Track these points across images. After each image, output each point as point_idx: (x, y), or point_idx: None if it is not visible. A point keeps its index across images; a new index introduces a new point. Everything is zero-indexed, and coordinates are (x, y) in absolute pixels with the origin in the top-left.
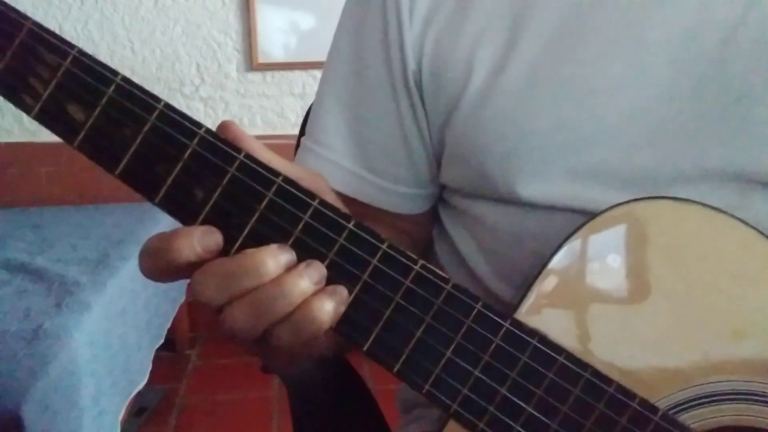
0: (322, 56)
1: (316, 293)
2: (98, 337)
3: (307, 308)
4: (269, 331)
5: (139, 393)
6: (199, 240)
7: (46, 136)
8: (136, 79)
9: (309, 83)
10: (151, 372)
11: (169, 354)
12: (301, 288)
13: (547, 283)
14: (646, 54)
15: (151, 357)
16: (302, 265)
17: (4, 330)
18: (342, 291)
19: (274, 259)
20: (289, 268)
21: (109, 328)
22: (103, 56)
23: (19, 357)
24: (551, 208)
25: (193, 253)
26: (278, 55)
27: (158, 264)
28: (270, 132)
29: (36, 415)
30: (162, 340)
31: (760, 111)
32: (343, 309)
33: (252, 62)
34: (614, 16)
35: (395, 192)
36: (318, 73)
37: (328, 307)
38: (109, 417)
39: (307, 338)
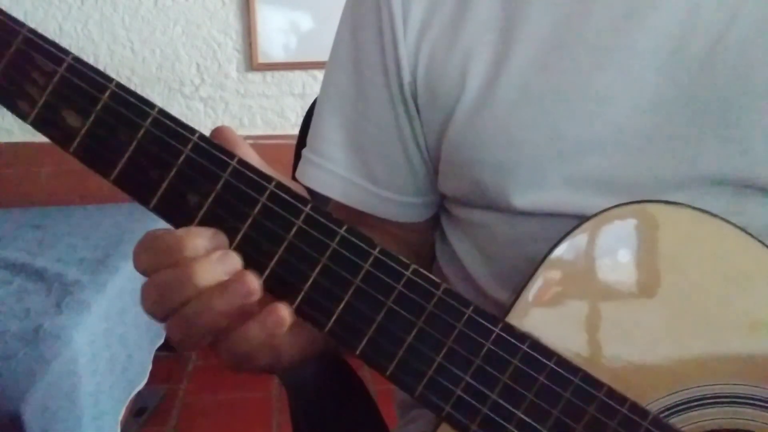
0: (322, 56)
1: (250, 320)
2: (98, 337)
3: (237, 332)
4: (216, 345)
5: (139, 393)
6: (210, 240)
7: None
8: (136, 79)
9: (309, 83)
10: (151, 372)
11: (169, 354)
12: (220, 306)
13: (539, 286)
14: (635, 62)
15: (151, 357)
16: (230, 281)
17: (4, 330)
18: (276, 314)
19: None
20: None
21: (109, 328)
22: (103, 56)
23: (19, 357)
24: (546, 215)
25: (204, 253)
26: (278, 55)
27: (164, 261)
28: (270, 132)
29: (36, 415)
30: (162, 340)
31: (751, 116)
32: (278, 331)
33: (252, 62)
34: (603, 25)
35: (396, 201)
36: (318, 73)
37: (256, 332)
38: (109, 417)
39: (248, 356)
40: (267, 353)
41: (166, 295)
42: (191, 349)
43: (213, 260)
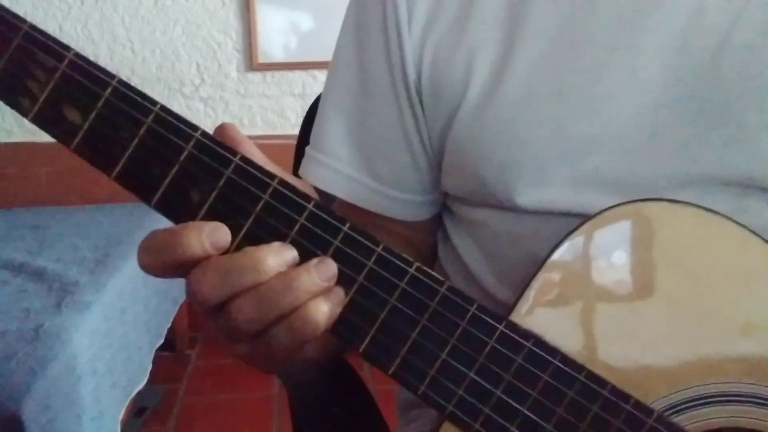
0: (322, 56)
1: (314, 298)
2: (98, 337)
3: (304, 309)
4: (266, 331)
5: (139, 393)
6: (208, 235)
7: (46, 136)
8: (136, 79)
9: (309, 83)
10: (151, 372)
11: (169, 354)
12: (308, 284)
13: (542, 285)
14: (640, 61)
15: (151, 357)
16: (313, 262)
17: (4, 330)
18: (338, 292)
19: (275, 256)
20: (297, 265)
21: (109, 328)
22: (103, 56)
23: (19, 357)
24: (550, 214)
25: (201, 249)
26: (278, 55)
27: (163, 258)
28: (270, 132)
29: (36, 415)
30: (162, 340)
31: (755, 116)
32: (339, 310)
33: (252, 62)
34: (608, 24)
35: (399, 199)
36: (318, 73)
37: (324, 308)
38: (109, 417)
39: (303, 339)
40: (300, 350)
41: (237, 277)
42: (243, 334)
43: (276, 247)
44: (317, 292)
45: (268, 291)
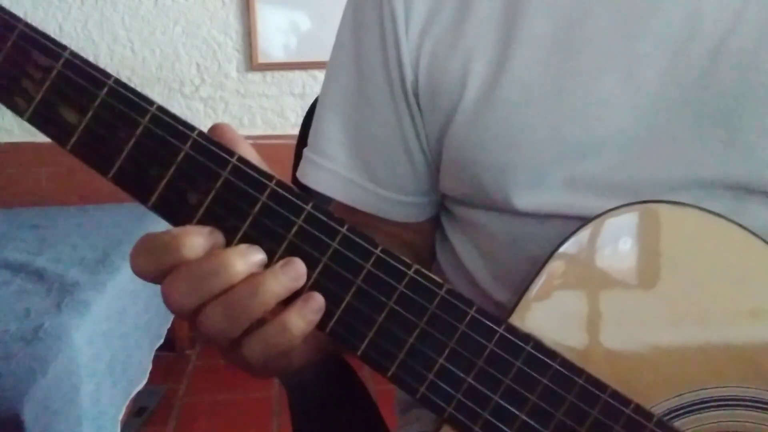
0: (322, 56)
1: (288, 307)
2: (98, 337)
3: (278, 320)
4: (240, 342)
5: (139, 393)
6: (207, 238)
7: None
8: (136, 79)
9: (309, 83)
10: (151, 372)
11: (169, 354)
12: (274, 287)
13: (542, 286)
14: (637, 65)
15: (151, 357)
16: (278, 264)
17: (4, 330)
18: (315, 300)
19: (242, 258)
20: (264, 267)
21: (109, 328)
22: (103, 56)
23: (19, 357)
24: (547, 216)
25: (202, 252)
26: (278, 55)
27: (162, 261)
28: (270, 132)
29: (36, 415)
30: (162, 340)
31: (753, 119)
32: (316, 318)
33: (252, 62)
34: (605, 28)
35: (397, 201)
36: (318, 73)
37: (297, 320)
38: (109, 417)
39: (279, 351)
40: (294, 351)
41: (204, 282)
42: (220, 343)
43: (244, 250)
44: (285, 294)
45: (235, 297)
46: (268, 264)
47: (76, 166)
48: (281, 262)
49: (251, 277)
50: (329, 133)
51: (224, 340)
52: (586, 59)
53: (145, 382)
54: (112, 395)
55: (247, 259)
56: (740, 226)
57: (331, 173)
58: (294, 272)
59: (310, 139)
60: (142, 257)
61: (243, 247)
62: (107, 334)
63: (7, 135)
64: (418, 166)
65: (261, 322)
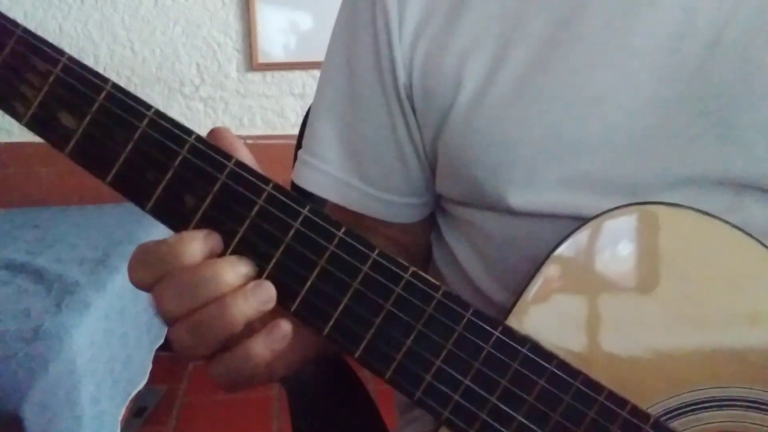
0: (322, 56)
1: (253, 336)
2: (98, 337)
3: (241, 348)
4: (208, 363)
5: (139, 393)
6: (203, 243)
7: None
8: (136, 79)
9: (309, 83)
10: (151, 372)
11: (169, 354)
12: (243, 308)
13: (539, 286)
14: (631, 62)
15: (151, 357)
16: (250, 286)
17: (4, 330)
18: (280, 328)
19: (231, 270)
20: (257, 275)
21: (109, 328)
22: (103, 56)
23: (19, 357)
24: (543, 215)
25: (200, 257)
26: (278, 55)
27: (162, 270)
28: (270, 132)
29: (36, 415)
30: (162, 340)
31: (749, 115)
32: (281, 347)
33: (252, 62)
34: (600, 25)
35: (390, 202)
36: (318, 73)
37: (262, 350)
38: (109, 417)
39: (244, 376)
40: (263, 372)
41: (185, 297)
42: (194, 358)
43: (232, 262)
44: (254, 316)
45: (202, 316)
46: (262, 271)
47: (76, 166)
48: (252, 284)
49: (219, 299)
50: (322, 134)
51: (195, 357)
52: (580, 56)
53: (144, 382)
54: (112, 395)
55: (236, 270)
56: (738, 228)
57: (325, 174)
58: (266, 295)
59: (304, 141)
60: (141, 271)
61: (230, 260)
62: (107, 334)
63: (7, 135)
64: (411, 167)
65: (227, 347)
